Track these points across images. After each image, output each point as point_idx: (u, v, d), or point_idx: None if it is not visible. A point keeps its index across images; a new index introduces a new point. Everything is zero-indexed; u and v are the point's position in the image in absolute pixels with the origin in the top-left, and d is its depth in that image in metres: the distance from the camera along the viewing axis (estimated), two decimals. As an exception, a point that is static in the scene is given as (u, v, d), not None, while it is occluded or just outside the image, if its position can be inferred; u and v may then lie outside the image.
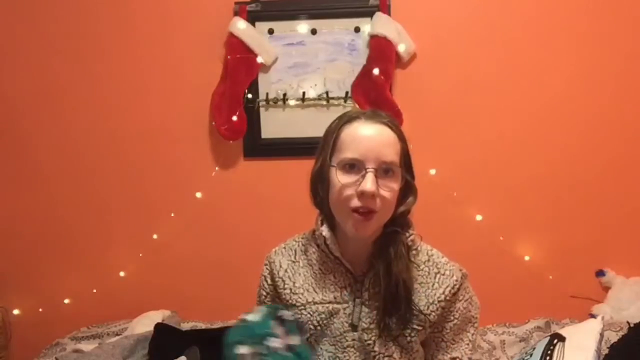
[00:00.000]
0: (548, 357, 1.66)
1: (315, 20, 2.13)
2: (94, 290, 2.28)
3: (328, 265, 1.16)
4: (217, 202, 2.23)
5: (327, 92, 2.15)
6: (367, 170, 1.04)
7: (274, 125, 2.19)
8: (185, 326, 2.12)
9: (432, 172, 2.15)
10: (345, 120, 1.12)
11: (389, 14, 2.08)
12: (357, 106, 2.09)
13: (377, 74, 2.06)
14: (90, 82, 2.22)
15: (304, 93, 2.16)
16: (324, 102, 2.15)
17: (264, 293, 1.23)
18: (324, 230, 1.14)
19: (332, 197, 1.10)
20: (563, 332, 1.76)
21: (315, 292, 1.15)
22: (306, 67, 2.16)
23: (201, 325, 2.13)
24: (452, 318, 1.14)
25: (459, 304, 1.14)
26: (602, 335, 1.71)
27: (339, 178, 1.07)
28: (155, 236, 2.25)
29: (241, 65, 2.11)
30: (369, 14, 2.09)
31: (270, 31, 2.15)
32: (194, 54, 2.17)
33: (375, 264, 1.11)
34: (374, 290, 1.12)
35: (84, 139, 2.24)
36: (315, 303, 1.14)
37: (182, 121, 2.21)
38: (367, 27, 2.11)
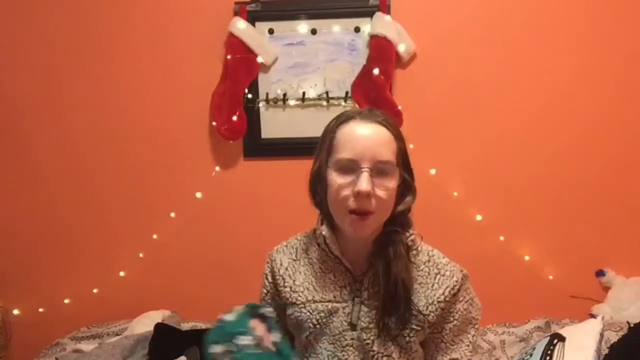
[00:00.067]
0: (548, 357, 1.66)
1: (315, 20, 2.13)
2: (94, 290, 2.29)
3: (328, 264, 1.16)
4: (217, 202, 2.23)
5: (327, 92, 2.15)
6: (362, 170, 1.04)
7: (274, 125, 2.19)
8: (185, 326, 2.12)
9: (432, 172, 2.15)
10: (341, 120, 1.11)
11: (389, 14, 2.08)
12: (356, 106, 2.09)
13: (377, 74, 2.06)
14: (90, 82, 2.22)
15: (304, 93, 2.16)
16: (324, 102, 2.15)
17: (265, 291, 1.24)
18: (324, 230, 1.14)
19: (329, 198, 1.10)
20: (563, 332, 1.76)
21: (315, 290, 1.16)
22: (306, 67, 2.16)
23: (201, 325, 2.12)
24: (451, 319, 1.13)
25: (459, 305, 1.14)
26: (602, 335, 1.71)
27: (336, 179, 1.07)
28: (155, 236, 2.25)
29: (241, 65, 2.11)
30: (369, 14, 2.09)
31: (270, 31, 2.15)
32: (194, 54, 2.17)
33: (374, 263, 1.11)
34: (373, 290, 1.12)
35: (84, 139, 2.24)
36: (314, 301, 1.15)
37: (182, 121, 2.21)
38: (367, 27, 2.11)
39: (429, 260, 1.15)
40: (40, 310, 2.32)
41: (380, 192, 1.05)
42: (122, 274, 2.27)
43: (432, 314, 1.11)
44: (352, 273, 1.14)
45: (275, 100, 2.17)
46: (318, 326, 1.14)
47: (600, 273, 2.14)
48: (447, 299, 1.12)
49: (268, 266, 1.24)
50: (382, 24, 2.06)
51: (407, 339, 1.11)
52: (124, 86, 2.21)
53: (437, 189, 2.14)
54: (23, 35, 2.21)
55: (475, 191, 2.16)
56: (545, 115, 2.12)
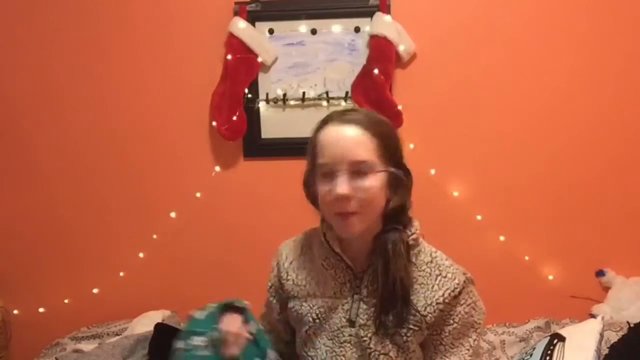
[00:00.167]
0: (548, 357, 1.66)
1: (315, 20, 2.13)
2: (94, 290, 2.29)
3: (330, 260, 1.17)
4: (217, 202, 2.23)
5: (327, 92, 2.15)
6: (338, 173, 1.05)
7: (274, 125, 2.19)
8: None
9: (432, 172, 2.15)
10: (321, 124, 1.12)
11: (389, 14, 2.08)
12: (356, 106, 2.09)
13: (377, 74, 2.06)
14: (90, 82, 2.22)
15: (304, 93, 2.16)
16: (324, 102, 2.15)
17: (270, 283, 1.27)
18: (325, 227, 1.16)
19: (319, 202, 1.12)
20: (563, 332, 1.76)
21: (317, 286, 1.17)
22: (306, 67, 2.16)
23: (201, 325, 2.12)
24: (451, 322, 1.12)
25: (460, 308, 1.12)
26: (602, 335, 1.71)
27: (320, 185, 1.09)
28: (155, 236, 2.25)
29: (241, 65, 2.11)
30: (369, 14, 2.09)
31: (271, 31, 2.15)
32: (194, 54, 2.17)
33: (374, 260, 1.12)
34: (372, 287, 1.12)
35: (84, 139, 2.24)
36: (315, 296, 1.17)
37: (182, 121, 2.21)
38: (367, 27, 2.11)
39: (431, 261, 1.14)
40: (40, 310, 2.32)
41: (361, 193, 1.05)
42: (122, 274, 2.27)
43: (430, 315, 1.10)
44: (352, 270, 1.15)
45: (275, 100, 2.17)
46: (317, 321, 1.16)
47: (600, 273, 2.14)
48: (447, 300, 1.10)
49: (275, 260, 1.26)
50: (382, 24, 2.06)
51: (405, 338, 1.11)
52: (124, 86, 2.21)
53: (437, 189, 2.14)
54: (23, 35, 2.21)
55: (475, 191, 2.16)
56: (545, 115, 2.12)
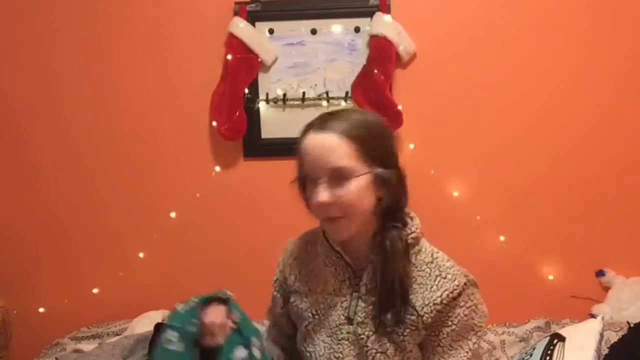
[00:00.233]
0: (548, 357, 1.66)
1: (315, 20, 2.13)
2: (94, 290, 2.29)
3: (331, 258, 1.17)
4: (217, 202, 2.23)
5: (327, 92, 2.15)
6: (319, 181, 1.07)
7: (274, 125, 2.19)
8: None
9: (432, 172, 2.15)
10: (303, 132, 1.12)
11: (389, 14, 2.08)
12: (356, 106, 2.09)
13: (377, 74, 2.06)
14: (90, 82, 2.22)
15: (304, 93, 2.16)
16: (324, 102, 2.15)
17: (275, 278, 1.29)
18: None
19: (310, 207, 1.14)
20: (563, 332, 1.76)
21: (317, 282, 1.19)
22: (306, 67, 2.16)
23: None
24: (450, 323, 1.11)
25: (459, 310, 1.11)
26: (602, 335, 1.71)
27: (307, 191, 1.11)
28: (155, 236, 2.25)
29: (241, 65, 2.11)
30: (369, 14, 2.09)
31: (270, 31, 2.15)
32: (194, 54, 2.17)
33: (372, 259, 1.12)
34: (371, 286, 1.12)
35: (84, 139, 2.24)
36: (315, 293, 1.18)
37: (182, 121, 2.21)
38: (367, 27, 2.11)
39: (431, 262, 1.14)
40: (40, 310, 2.32)
41: (342, 198, 1.06)
42: (122, 274, 2.27)
43: (427, 315, 1.10)
44: (352, 267, 1.16)
45: (275, 100, 2.17)
46: (317, 317, 1.17)
47: (600, 273, 2.14)
48: (445, 302, 1.10)
49: (282, 255, 1.29)
50: (382, 24, 2.06)
51: (401, 337, 1.10)
52: (124, 86, 2.21)
53: (437, 189, 2.14)
54: (23, 35, 2.21)
55: (475, 191, 2.16)
56: (545, 115, 2.12)
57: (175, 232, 2.24)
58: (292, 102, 2.17)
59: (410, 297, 1.11)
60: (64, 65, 2.21)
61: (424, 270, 1.13)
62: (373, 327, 1.11)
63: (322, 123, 1.09)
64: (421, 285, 1.12)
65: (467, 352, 1.12)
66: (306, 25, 2.14)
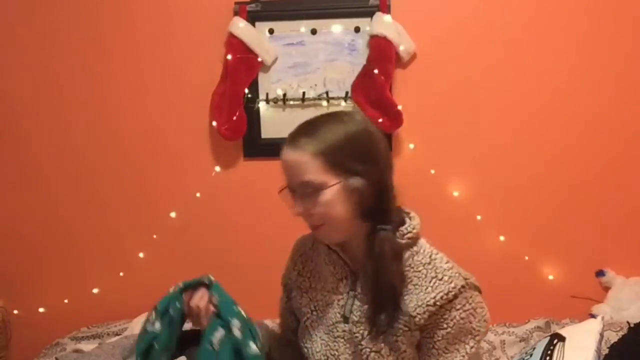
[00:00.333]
0: (548, 357, 1.66)
1: (315, 20, 2.13)
2: (94, 290, 2.29)
3: (331, 256, 1.19)
4: (217, 202, 2.23)
5: (327, 92, 2.15)
6: (294, 194, 1.11)
7: (274, 125, 2.19)
8: (186, 326, 2.11)
9: (432, 172, 2.15)
10: (283, 146, 1.13)
11: (389, 14, 2.08)
12: (356, 106, 2.09)
13: (377, 74, 2.06)
14: (90, 82, 2.22)
15: (304, 93, 2.16)
16: (324, 102, 2.15)
17: (284, 272, 1.33)
18: None
19: None
20: (563, 332, 1.76)
21: (318, 279, 1.22)
22: (306, 67, 2.16)
23: (201, 325, 2.12)
24: (445, 326, 1.10)
25: (455, 313, 1.09)
26: (602, 335, 1.71)
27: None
28: (155, 236, 2.25)
29: (241, 65, 2.11)
30: (369, 14, 2.09)
31: (270, 31, 2.15)
32: (194, 54, 2.17)
33: (365, 262, 1.13)
34: (367, 285, 1.13)
35: (84, 139, 2.24)
36: (315, 290, 1.21)
37: (182, 121, 2.21)
38: (367, 27, 2.11)
39: (429, 263, 1.12)
40: (40, 310, 2.32)
41: (315, 209, 1.09)
42: (122, 274, 2.27)
43: (419, 316, 1.09)
44: (349, 267, 1.17)
45: (275, 100, 2.17)
46: (315, 313, 1.20)
47: (600, 273, 2.14)
48: (439, 303, 1.08)
49: (292, 251, 1.32)
50: (382, 24, 2.06)
51: (395, 338, 1.10)
52: (124, 86, 2.21)
53: (437, 189, 2.14)
54: (23, 35, 2.21)
55: (475, 191, 2.16)
56: (545, 115, 2.12)
57: (175, 232, 2.24)
58: (292, 102, 2.17)
59: (405, 297, 1.10)
60: (64, 65, 2.21)
61: (420, 272, 1.12)
62: (367, 327, 1.12)
63: (293, 139, 1.11)
64: (416, 287, 1.11)
65: (464, 356, 1.11)
66: (306, 25, 2.14)
